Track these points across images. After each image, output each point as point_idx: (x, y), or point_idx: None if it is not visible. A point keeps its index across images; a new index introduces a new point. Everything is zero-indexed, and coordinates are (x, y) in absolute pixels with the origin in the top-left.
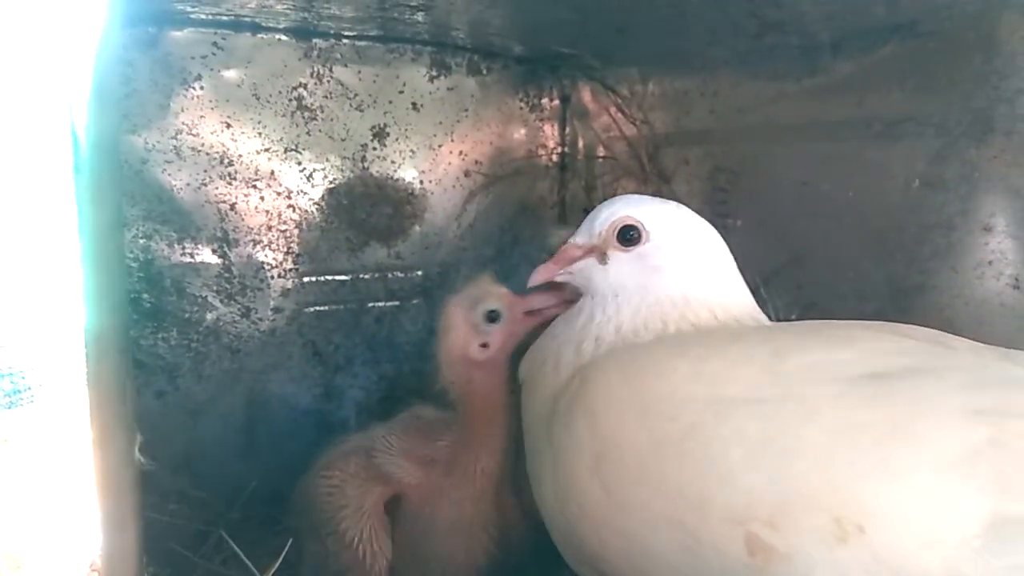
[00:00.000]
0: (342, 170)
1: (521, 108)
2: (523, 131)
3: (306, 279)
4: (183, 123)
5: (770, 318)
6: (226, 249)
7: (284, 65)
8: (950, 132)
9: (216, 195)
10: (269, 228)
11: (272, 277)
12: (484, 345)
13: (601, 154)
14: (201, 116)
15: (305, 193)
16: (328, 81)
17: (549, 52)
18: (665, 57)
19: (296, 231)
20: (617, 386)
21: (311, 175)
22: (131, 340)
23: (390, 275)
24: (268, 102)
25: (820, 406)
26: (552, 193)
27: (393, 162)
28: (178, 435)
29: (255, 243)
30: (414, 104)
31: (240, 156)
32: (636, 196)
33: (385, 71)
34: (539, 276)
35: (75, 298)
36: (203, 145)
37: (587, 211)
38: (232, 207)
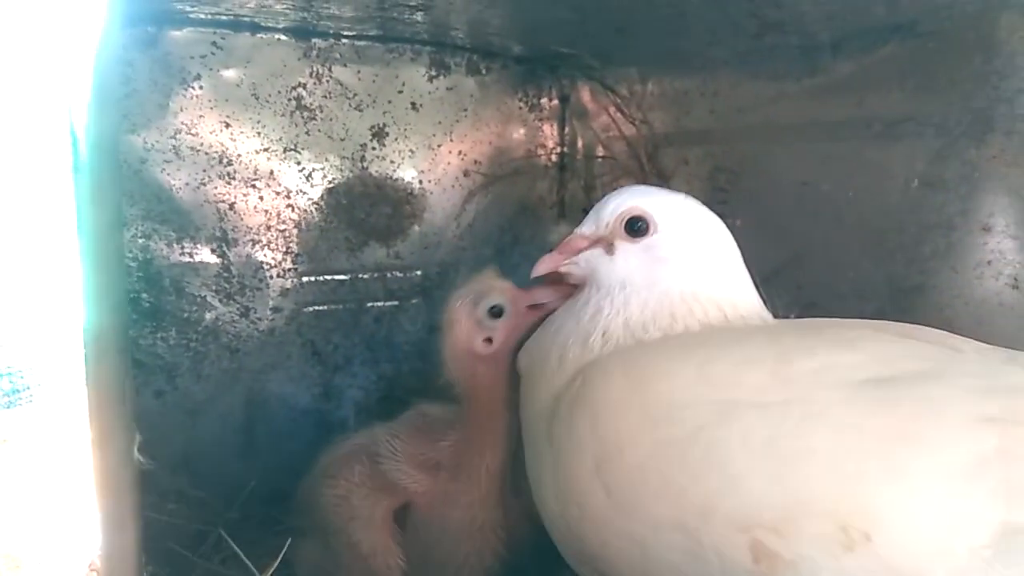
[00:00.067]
0: (341, 170)
1: (520, 108)
2: (522, 131)
3: (305, 279)
4: (182, 123)
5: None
6: (225, 249)
7: (283, 65)
8: (950, 132)
9: (215, 195)
10: (268, 228)
11: (271, 277)
12: (488, 340)
13: (600, 154)
14: (200, 116)
15: (304, 193)
16: (327, 81)
17: (548, 52)
18: (665, 57)
19: (295, 231)
20: (620, 387)
21: (310, 175)
22: (130, 340)
23: (389, 275)
24: (267, 102)
25: (827, 411)
26: (551, 193)
27: (392, 162)
28: (177, 435)
29: (254, 243)
30: (413, 104)
31: (239, 156)
32: (644, 187)
33: (384, 71)
34: (544, 266)
35: (74, 298)
36: (202, 145)
37: (586, 211)
38: (231, 207)
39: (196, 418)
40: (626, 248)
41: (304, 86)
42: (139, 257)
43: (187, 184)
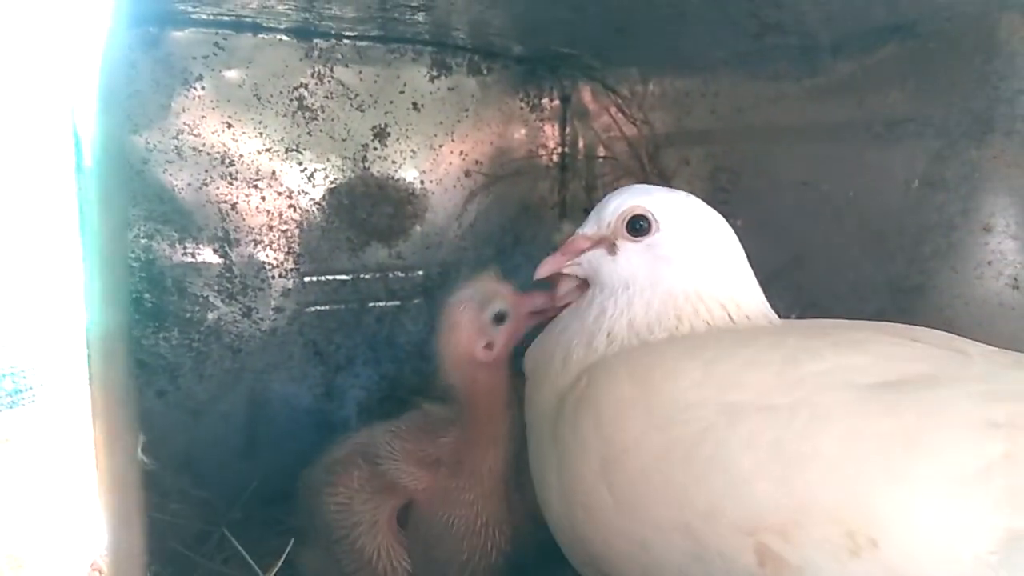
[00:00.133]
0: (343, 170)
1: (521, 108)
2: (523, 131)
3: (307, 279)
4: (184, 123)
5: None
6: (227, 249)
7: (285, 65)
8: (950, 132)
9: (217, 195)
10: (270, 228)
11: (273, 277)
12: (488, 345)
13: (601, 154)
14: (202, 116)
15: (306, 193)
16: (329, 81)
17: (549, 52)
18: (665, 57)
19: (297, 231)
20: (625, 388)
21: (312, 175)
22: (133, 340)
23: (391, 275)
24: (269, 102)
25: (834, 414)
26: (553, 193)
27: (394, 162)
28: (179, 435)
29: (256, 243)
30: (415, 104)
31: (241, 156)
32: (645, 186)
33: (386, 71)
34: (546, 267)
35: (76, 298)
36: (204, 145)
37: (587, 211)
38: (233, 207)
39: (198, 418)
40: (628, 248)
41: (306, 86)
42: (141, 257)
43: (189, 184)
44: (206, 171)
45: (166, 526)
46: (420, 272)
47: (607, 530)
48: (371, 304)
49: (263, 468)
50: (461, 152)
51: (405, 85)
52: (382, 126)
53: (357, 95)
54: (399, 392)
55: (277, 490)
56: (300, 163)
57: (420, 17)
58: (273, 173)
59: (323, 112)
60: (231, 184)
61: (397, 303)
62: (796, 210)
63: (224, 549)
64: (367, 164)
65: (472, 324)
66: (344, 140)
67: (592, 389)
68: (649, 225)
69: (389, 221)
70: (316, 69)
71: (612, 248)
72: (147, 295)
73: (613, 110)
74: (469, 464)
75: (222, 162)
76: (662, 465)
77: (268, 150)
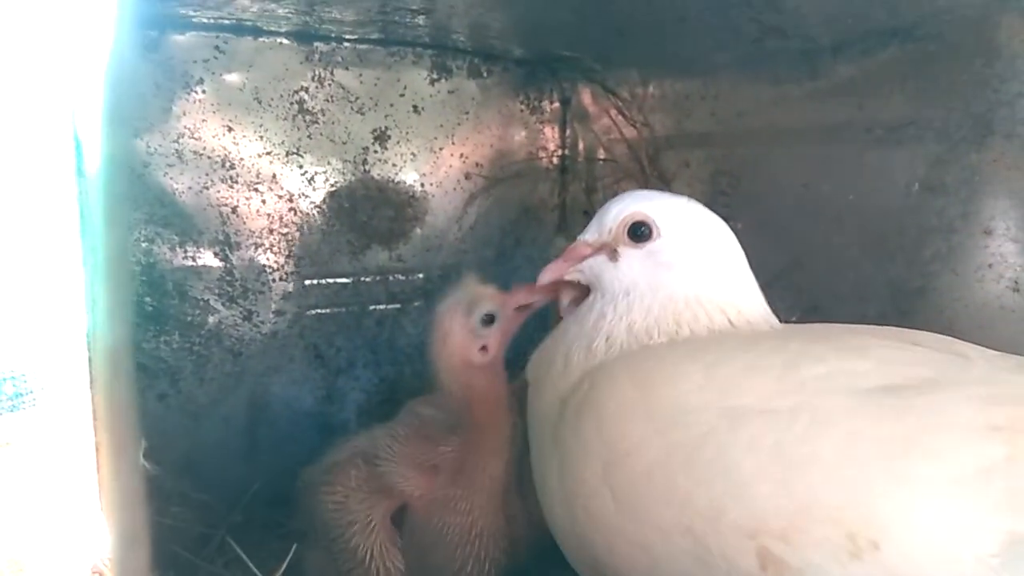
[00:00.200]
0: (343, 173)
1: (521, 111)
2: (523, 133)
3: (307, 282)
4: (185, 127)
5: None
6: (228, 252)
7: (285, 69)
8: (950, 136)
9: (218, 198)
10: (271, 231)
11: (274, 280)
12: (483, 349)
13: (602, 156)
14: (203, 120)
15: (306, 196)
16: (329, 84)
17: (549, 55)
18: (666, 60)
19: (297, 234)
20: (627, 391)
21: (312, 178)
22: (134, 344)
23: (391, 278)
24: (270, 105)
25: (835, 418)
26: (553, 195)
27: (394, 165)
28: (180, 438)
29: (257, 246)
30: (415, 107)
31: (242, 159)
32: (646, 192)
33: (386, 74)
34: (548, 274)
35: (77, 302)
36: (205, 149)
37: (587, 213)
38: (234, 210)
39: (199, 421)
40: (630, 254)
41: (306, 90)
42: (142, 261)
43: (190, 188)
44: (207, 174)
45: (167, 530)
46: (420, 275)
47: (609, 533)
48: (371, 307)
49: (264, 471)
50: (461, 155)
51: (405, 88)
52: (382, 129)
53: (357, 98)
54: (399, 395)
55: (278, 493)
56: (300, 166)
57: (420, 20)
58: (274, 176)
59: (323, 115)
60: (232, 187)
61: (398, 306)
62: (796, 213)
63: (225, 552)
64: (367, 167)
65: (462, 330)
66: (344, 143)
67: (594, 393)
68: (650, 231)
69: (389, 224)
70: (316, 72)
71: (613, 254)
72: (148, 299)
73: (613, 112)
74: (468, 471)
75: (223, 165)
76: (664, 468)
77: (269, 153)
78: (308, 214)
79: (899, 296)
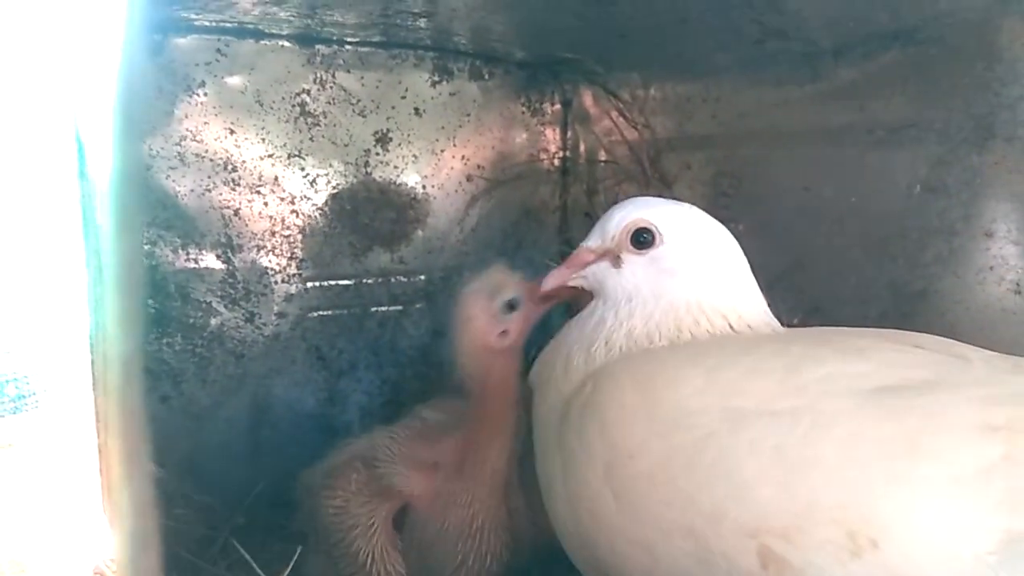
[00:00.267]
0: (345, 175)
1: (523, 113)
2: (525, 135)
3: (310, 284)
4: (187, 129)
5: None
6: (230, 254)
7: (287, 71)
8: (952, 138)
9: (220, 201)
10: (273, 233)
11: (276, 282)
12: (503, 333)
13: (603, 158)
14: (205, 122)
15: (308, 198)
16: (331, 87)
17: (551, 57)
18: (667, 62)
19: (300, 236)
20: (629, 393)
21: (314, 180)
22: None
23: (393, 279)
24: (271, 108)
25: (835, 420)
26: (554, 197)
27: (396, 167)
28: (183, 440)
29: (259, 248)
30: (416, 109)
31: (244, 162)
32: (649, 198)
33: (388, 77)
34: (552, 281)
35: (79, 305)
36: (207, 151)
37: (588, 215)
38: (236, 212)
39: (202, 423)
40: (632, 260)
41: (308, 92)
42: (144, 263)
43: (192, 190)
44: (209, 177)
45: (170, 531)
46: (422, 277)
47: (612, 534)
48: (373, 309)
49: (267, 473)
50: (463, 157)
51: (407, 90)
52: (384, 131)
53: (359, 100)
54: (401, 396)
55: (281, 495)
56: (302, 168)
57: (422, 23)
58: (276, 179)
59: (325, 118)
60: (234, 190)
61: (399, 308)
62: (798, 214)
63: (228, 554)
64: (369, 169)
65: (485, 314)
66: (346, 145)
67: (596, 395)
68: (653, 238)
69: (391, 226)
70: (318, 75)
71: (616, 261)
72: (150, 301)
73: (615, 114)
74: (470, 465)
75: (225, 168)
76: (666, 470)
77: (270, 156)
78: (310, 216)
79: (900, 298)
